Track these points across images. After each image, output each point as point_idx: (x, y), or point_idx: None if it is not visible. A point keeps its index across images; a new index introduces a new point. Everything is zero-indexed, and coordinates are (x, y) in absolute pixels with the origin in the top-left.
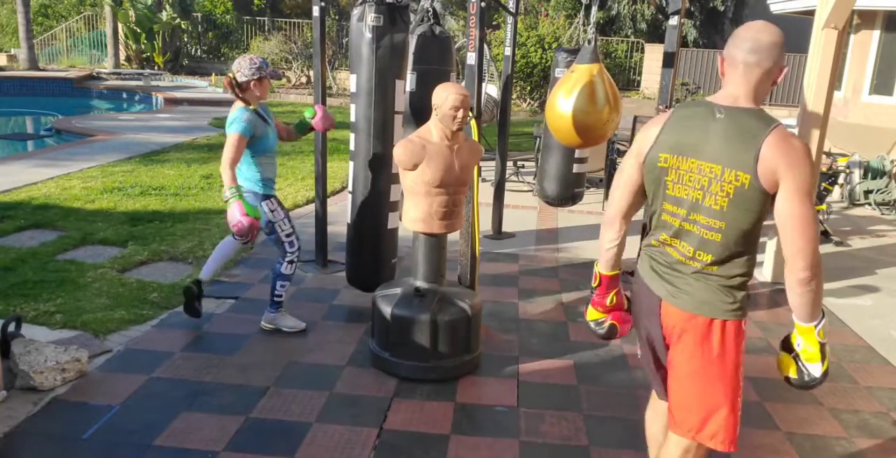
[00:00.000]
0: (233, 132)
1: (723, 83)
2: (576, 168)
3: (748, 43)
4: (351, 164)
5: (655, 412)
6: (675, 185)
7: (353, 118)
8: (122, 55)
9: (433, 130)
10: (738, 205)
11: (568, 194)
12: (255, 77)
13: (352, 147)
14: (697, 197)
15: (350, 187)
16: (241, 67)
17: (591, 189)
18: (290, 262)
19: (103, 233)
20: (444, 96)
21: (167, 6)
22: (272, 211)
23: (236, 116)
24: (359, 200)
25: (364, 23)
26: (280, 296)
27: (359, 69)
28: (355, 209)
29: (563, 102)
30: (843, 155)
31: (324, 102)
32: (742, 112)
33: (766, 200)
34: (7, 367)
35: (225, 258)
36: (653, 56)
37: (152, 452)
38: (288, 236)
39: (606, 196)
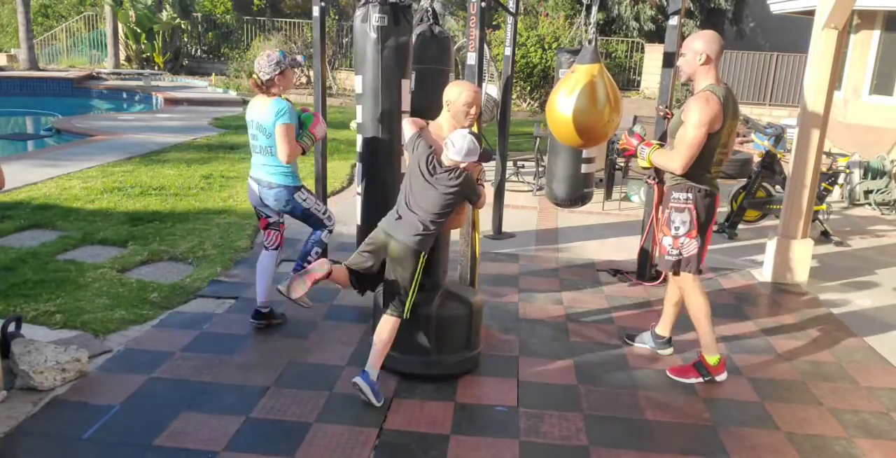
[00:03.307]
0: (284, 123)
1: (704, 72)
2: (584, 168)
3: (721, 47)
4: (359, 165)
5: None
6: (726, 135)
7: (359, 119)
8: (122, 55)
9: (444, 126)
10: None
11: (577, 195)
12: (276, 72)
13: (359, 148)
14: (730, 139)
15: (359, 188)
16: (262, 67)
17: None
18: (330, 231)
19: (103, 233)
20: (458, 92)
21: (167, 6)
22: (305, 200)
23: (284, 108)
24: (367, 201)
25: (368, 24)
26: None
27: (364, 70)
28: (365, 210)
29: (563, 102)
30: (843, 155)
31: (324, 102)
32: (728, 86)
33: None
34: (7, 367)
35: (269, 274)
36: (653, 56)
37: (152, 452)
38: (324, 213)
39: (607, 196)
